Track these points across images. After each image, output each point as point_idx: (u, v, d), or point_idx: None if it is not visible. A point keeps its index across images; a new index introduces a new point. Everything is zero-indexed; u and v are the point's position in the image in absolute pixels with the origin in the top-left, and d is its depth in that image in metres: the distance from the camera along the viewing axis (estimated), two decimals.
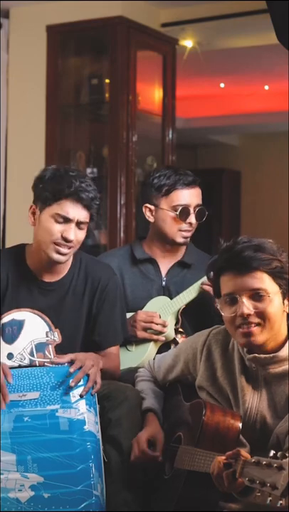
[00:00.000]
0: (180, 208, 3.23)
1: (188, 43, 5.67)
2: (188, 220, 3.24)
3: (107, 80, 5.32)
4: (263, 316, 2.37)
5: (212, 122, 8.58)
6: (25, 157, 5.49)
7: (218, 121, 8.54)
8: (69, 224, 2.84)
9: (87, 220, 2.88)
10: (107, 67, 5.32)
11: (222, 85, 7.66)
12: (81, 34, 5.45)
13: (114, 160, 5.21)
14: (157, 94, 5.61)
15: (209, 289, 3.11)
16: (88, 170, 5.41)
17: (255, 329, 2.37)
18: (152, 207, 3.29)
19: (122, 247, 3.76)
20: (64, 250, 2.85)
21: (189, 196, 3.25)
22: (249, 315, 2.36)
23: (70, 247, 2.85)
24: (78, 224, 2.85)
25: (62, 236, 2.83)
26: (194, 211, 3.25)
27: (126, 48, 5.21)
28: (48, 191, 2.85)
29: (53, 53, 5.41)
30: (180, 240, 3.27)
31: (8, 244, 5.30)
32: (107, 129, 5.28)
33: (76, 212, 2.84)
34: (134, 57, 5.25)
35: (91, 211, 2.88)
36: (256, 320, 2.37)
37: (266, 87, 7.62)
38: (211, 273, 2.66)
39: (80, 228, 2.86)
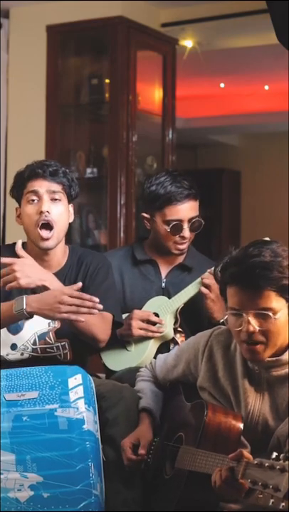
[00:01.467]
0: (172, 224, 3.21)
1: (188, 43, 5.67)
2: (181, 234, 3.23)
3: (107, 80, 5.32)
4: (267, 334, 2.36)
5: (212, 122, 8.58)
6: (25, 157, 5.43)
7: (218, 121, 8.54)
8: (41, 199, 2.90)
9: (59, 190, 2.92)
10: (107, 67, 5.32)
11: (222, 85, 7.66)
12: (81, 34, 5.46)
13: (114, 160, 5.21)
14: (157, 94, 5.62)
15: (206, 291, 3.12)
16: (88, 170, 5.42)
17: (259, 347, 2.37)
18: (148, 216, 3.29)
19: (123, 248, 3.76)
20: (45, 233, 2.88)
21: (182, 211, 3.21)
22: (254, 332, 2.36)
23: (50, 224, 2.88)
24: (51, 197, 2.90)
25: (37, 213, 2.89)
26: (189, 224, 3.23)
27: (126, 48, 5.21)
28: (17, 185, 2.96)
29: (53, 53, 5.41)
30: (175, 251, 3.26)
31: (9, 240, 5.31)
32: (107, 129, 5.29)
33: (42, 185, 2.91)
34: (134, 57, 5.26)
35: (58, 181, 2.92)
36: (260, 338, 2.36)
37: (266, 87, 7.62)
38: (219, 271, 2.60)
39: (53, 200, 2.91)
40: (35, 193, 2.91)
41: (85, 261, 3.02)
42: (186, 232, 3.22)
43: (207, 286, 3.13)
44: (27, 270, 2.79)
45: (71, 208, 3.02)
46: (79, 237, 5.49)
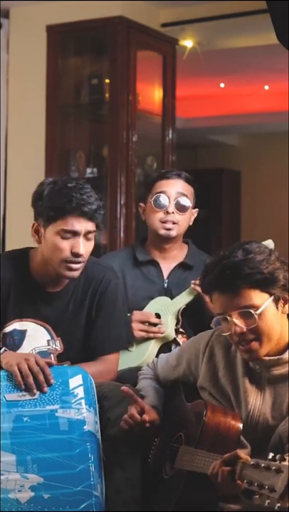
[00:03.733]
0: (155, 195, 3.24)
1: (188, 43, 5.67)
2: (165, 209, 3.23)
3: (107, 80, 5.32)
4: (256, 331, 2.37)
5: (212, 122, 8.58)
6: (25, 157, 5.49)
7: (218, 121, 8.54)
8: (77, 238, 2.77)
9: (94, 229, 2.82)
10: (107, 67, 5.32)
11: (222, 85, 7.66)
12: (81, 34, 5.45)
13: (114, 160, 5.21)
14: (157, 94, 5.61)
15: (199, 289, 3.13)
16: (88, 170, 5.42)
17: (253, 345, 2.38)
18: (143, 205, 3.32)
19: (124, 249, 3.76)
20: (75, 266, 2.80)
21: (167, 185, 3.26)
22: (243, 332, 2.36)
23: (81, 261, 2.80)
24: (85, 235, 2.80)
25: (71, 252, 2.78)
26: (174, 200, 3.24)
27: (126, 48, 5.21)
28: (49, 208, 2.78)
29: (53, 53, 5.41)
30: (162, 231, 3.25)
31: (8, 244, 5.31)
32: (107, 129, 5.29)
33: (81, 225, 2.77)
34: (134, 57, 5.25)
35: (96, 221, 2.82)
36: (251, 336, 2.37)
37: (266, 87, 7.62)
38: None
39: (87, 239, 2.80)
40: (72, 232, 2.76)
41: (93, 279, 2.91)
42: (171, 207, 3.23)
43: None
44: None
45: None
46: None
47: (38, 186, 2.86)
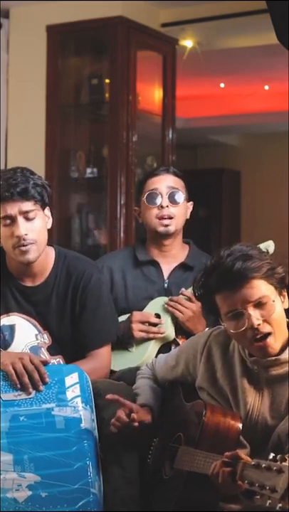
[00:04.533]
0: (147, 193, 3.25)
1: (188, 43, 5.67)
2: (158, 204, 3.24)
3: (107, 80, 5.32)
4: (272, 322, 2.37)
5: (212, 122, 8.58)
6: (25, 157, 5.48)
7: (218, 121, 8.54)
8: (15, 222, 2.81)
9: (32, 208, 2.83)
10: (107, 67, 5.32)
11: (222, 85, 7.66)
12: (81, 34, 5.45)
13: (114, 160, 5.21)
14: (157, 94, 5.62)
15: (173, 310, 3.14)
16: (88, 170, 5.42)
17: (269, 341, 2.37)
18: (138, 208, 3.33)
19: (125, 249, 3.76)
20: (24, 248, 2.81)
21: (158, 181, 3.27)
22: (259, 324, 2.36)
23: (28, 243, 2.81)
24: (25, 216, 2.82)
25: (15, 237, 2.81)
26: (166, 194, 3.25)
27: (126, 48, 5.21)
28: None
29: (53, 53, 5.41)
30: (160, 228, 3.26)
31: None
32: (107, 129, 5.29)
33: (14, 207, 2.81)
34: (134, 57, 5.25)
35: (29, 199, 2.82)
36: (267, 328, 2.36)
37: (266, 87, 7.62)
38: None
39: (28, 219, 2.82)
40: (9, 216, 2.82)
41: (74, 273, 2.93)
42: (165, 201, 3.24)
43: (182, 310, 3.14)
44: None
45: (47, 210, 2.92)
46: (79, 237, 5.49)
47: None
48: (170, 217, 3.25)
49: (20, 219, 2.81)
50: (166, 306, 3.18)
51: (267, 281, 2.38)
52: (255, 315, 2.36)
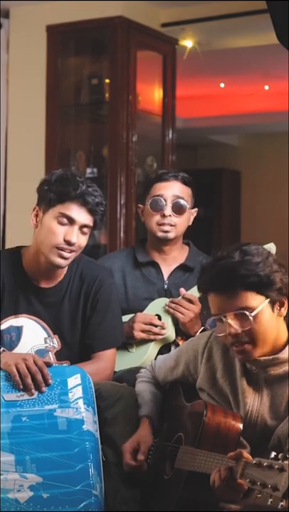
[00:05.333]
0: (152, 198, 3.24)
1: (188, 43, 5.66)
2: (162, 212, 3.24)
3: (107, 80, 5.32)
4: (251, 334, 2.36)
5: (212, 122, 8.57)
6: (25, 157, 5.49)
7: (218, 121, 8.54)
8: (72, 226, 2.80)
9: (91, 225, 2.83)
10: (107, 67, 5.32)
11: (222, 85, 7.66)
12: (81, 34, 5.45)
13: (114, 160, 5.21)
14: (157, 94, 5.61)
15: (173, 311, 3.14)
16: (88, 170, 5.42)
17: (247, 347, 2.38)
18: (142, 206, 3.32)
19: (124, 249, 3.76)
20: (66, 254, 2.80)
21: (164, 188, 3.25)
22: (237, 334, 2.36)
23: (71, 251, 2.81)
24: (81, 228, 2.81)
25: (64, 239, 2.79)
26: (171, 203, 3.24)
27: (126, 48, 5.21)
28: (53, 192, 2.81)
29: (53, 53, 5.41)
30: (159, 233, 3.26)
31: (8, 244, 5.30)
32: (107, 129, 5.28)
33: (80, 214, 2.80)
34: (134, 57, 5.25)
35: (95, 216, 2.83)
36: (246, 338, 2.37)
37: (266, 87, 7.62)
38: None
39: (82, 233, 2.82)
40: (70, 219, 2.80)
41: (87, 277, 2.93)
42: (168, 210, 3.23)
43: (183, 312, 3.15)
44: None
45: None
46: None
47: (47, 175, 2.90)
48: (171, 225, 3.25)
49: (77, 228, 2.80)
50: (166, 307, 3.18)
51: (256, 292, 2.36)
52: (234, 325, 2.36)
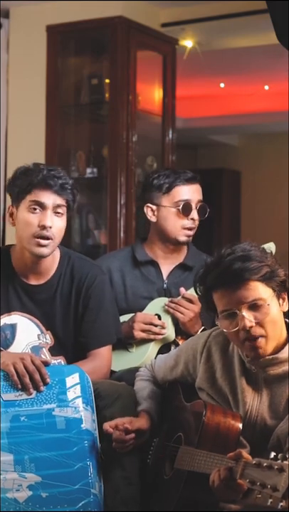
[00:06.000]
0: (182, 203, 3.24)
1: (188, 43, 5.66)
2: (190, 216, 3.24)
3: (107, 80, 5.32)
4: (265, 326, 2.36)
5: (212, 122, 8.58)
6: (25, 157, 5.46)
7: (218, 121, 8.54)
8: (45, 211, 2.82)
9: (64, 204, 2.85)
10: (107, 67, 5.32)
11: (222, 85, 7.66)
12: (81, 34, 5.45)
13: (114, 160, 5.20)
14: (157, 94, 5.61)
15: (173, 311, 3.14)
16: (88, 170, 5.42)
17: (260, 342, 2.37)
18: (154, 206, 3.29)
19: (123, 249, 3.76)
20: (43, 241, 2.82)
21: (190, 191, 3.26)
22: (251, 327, 2.36)
23: (49, 238, 2.82)
24: (55, 210, 2.83)
25: (39, 225, 2.81)
26: (196, 207, 3.25)
27: (126, 48, 5.21)
28: (18, 186, 2.85)
29: (53, 53, 5.41)
30: (182, 238, 3.27)
31: (8, 243, 5.30)
32: (107, 129, 5.28)
33: (48, 197, 2.83)
34: (134, 57, 5.25)
35: (64, 196, 2.85)
36: (259, 331, 2.36)
37: (266, 87, 7.62)
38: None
39: (57, 214, 2.84)
40: (40, 204, 2.83)
41: (78, 274, 2.94)
42: (195, 215, 3.25)
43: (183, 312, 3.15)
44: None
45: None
46: (79, 237, 5.49)
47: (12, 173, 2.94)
48: (193, 229, 3.27)
49: (49, 211, 2.82)
50: (166, 307, 3.18)
51: (265, 283, 2.38)
52: (248, 317, 2.35)
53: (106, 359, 2.94)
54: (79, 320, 2.92)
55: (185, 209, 3.23)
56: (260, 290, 2.37)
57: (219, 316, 2.42)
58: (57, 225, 2.84)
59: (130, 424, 2.58)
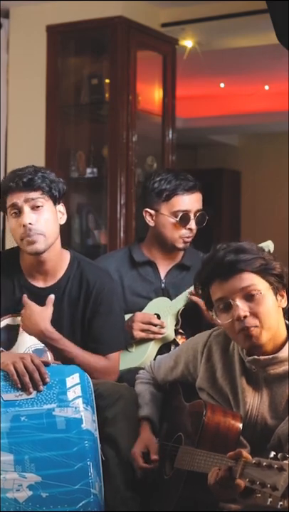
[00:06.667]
0: (180, 214, 3.22)
1: (188, 43, 5.66)
2: (188, 226, 3.24)
3: (107, 80, 5.32)
4: (259, 316, 2.37)
5: (212, 122, 8.58)
6: (25, 157, 5.48)
7: (218, 121, 8.54)
8: (21, 211, 2.82)
9: (38, 196, 2.83)
10: (107, 67, 5.32)
11: (222, 85, 7.66)
12: (81, 34, 5.45)
13: (114, 160, 5.21)
14: (157, 94, 5.61)
15: (197, 299, 3.13)
16: (88, 170, 5.42)
17: (254, 330, 2.37)
18: (152, 212, 3.28)
19: (120, 250, 3.76)
20: (29, 239, 2.81)
21: (190, 201, 3.24)
22: (245, 316, 2.36)
23: (35, 233, 2.81)
24: (32, 206, 2.83)
25: (22, 225, 2.81)
26: (194, 216, 3.24)
27: (126, 48, 5.21)
28: (1, 197, 2.88)
29: (53, 53, 5.41)
30: (180, 245, 3.27)
31: (8, 244, 5.30)
32: (107, 129, 5.28)
33: (18, 197, 2.83)
34: (134, 57, 5.25)
35: (35, 188, 2.83)
36: (253, 322, 2.37)
37: (266, 87, 7.62)
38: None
39: (35, 209, 2.83)
40: (15, 205, 2.83)
41: (87, 279, 2.93)
42: (193, 224, 3.24)
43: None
44: (28, 319, 2.83)
45: (61, 207, 2.93)
46: (79, 237, 5.49)
47: None
48: (191, 237, 3.27)
49: (26, 208, 2.82)
50: (190, 297, 3.17)
51: (260, 276, 2.40)
52: (242, 306, 2.37)
53: (117, 364, 2.96)
54: (87, 325, 2.91)
55: (183, 220, 3.22)
56: (254, 280, 2.39)
57: (216, 310, 2.43)
58: (39, 218, 2.83)
59: (155, 453, 2.60)
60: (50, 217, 2.86)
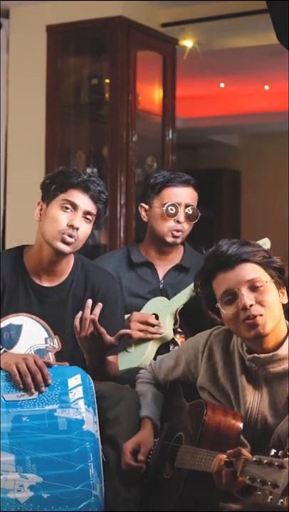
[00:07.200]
0: (167, 204, 3.23)
1: (188, 43, 5.66)
2: (176, 218, 3.24)
3: (107, 80, 5.32)
4: (264, 304, 2.39)
5: (212, 122, 8.58)
6: (25, 157, 5.49)
7: (218, 121, 8.54)
8: (76, 212, 2.84)
9: (94, 213, 2.88)
10: (107, 67, 5.32)
11: (222, 85, 7.66)
12: (81, 34, 5.45)
13: (114, 160, 5.21)
14: (157, 94, 5.61)
15: None
16: (88, 170, 5.41)
17: (259, 319, 2.38)
18: (146, 206, 3.30)
19: (118, 250, 3.76)
20: (68, 239, 2.82)
21: (179, 194, 3.24)
22: (251, 305, 2.38)
23: (74, 238, 2.83)
24: (85, 215, 2.85)
25: (68, 224, 2.82)
26: (184, 209, 3.24)
27: (126, 48, 5.21)
28: (56, 184, 2.87)
29: (53, 53, 5.41)
30: (169, 239, 3.26)
31: (8, 244, 5.31)
32: (107, 129, 5.28)
33: (83, 200, 2.85)
34: (134, 57, 5.25)
35: (98, 204, 2.88)
36: (259, 310, 2.38)
37: (266, 87, 7.62)
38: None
39: (86, 220, 2.86)
40: (73, 204, 2.85)
41: (92, 281, 2.95)
42: (181, 217, 3.23)
43: None
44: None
45: None
46: None
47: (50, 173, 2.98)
48: (181, 231, 3.26)
49: (80, 213, 2.85)
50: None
51: (263, 268, 2.42)
52: (248, 295, 2.38)
53: (116, 365, 2.98)
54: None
55: (169, 211, 3.23)
56: (258, 271, 2.42)
57: (220, 304, 2.44)
58: (83, 229, 2.86)
59: (143, 454, 2.61)
60: (88, 233, 2.91)
